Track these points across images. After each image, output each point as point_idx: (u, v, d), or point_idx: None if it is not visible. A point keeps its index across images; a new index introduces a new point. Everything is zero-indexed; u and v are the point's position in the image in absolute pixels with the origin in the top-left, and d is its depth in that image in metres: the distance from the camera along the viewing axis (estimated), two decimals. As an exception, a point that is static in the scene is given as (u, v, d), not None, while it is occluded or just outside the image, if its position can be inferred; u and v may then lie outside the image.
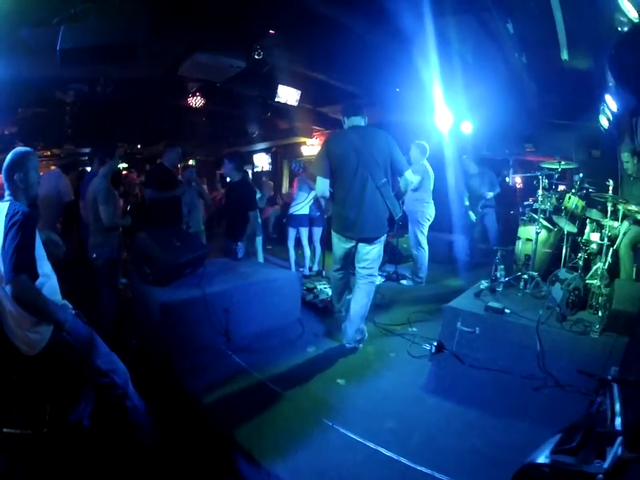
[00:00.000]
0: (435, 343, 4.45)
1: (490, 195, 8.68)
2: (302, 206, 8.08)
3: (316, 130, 13.30)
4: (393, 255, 8.33)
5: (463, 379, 4.01)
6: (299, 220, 8.26)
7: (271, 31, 6.24)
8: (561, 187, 5.80)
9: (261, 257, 7.63)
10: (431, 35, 5.78)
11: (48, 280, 2.76)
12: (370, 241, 4.65)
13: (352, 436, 3.19)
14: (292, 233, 8.34)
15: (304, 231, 8.34)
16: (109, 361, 2.98)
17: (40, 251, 2.70)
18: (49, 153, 14.36)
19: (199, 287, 4.68)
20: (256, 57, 6.39)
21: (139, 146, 16.16)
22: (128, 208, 7.01)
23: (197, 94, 8.82)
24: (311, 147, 13.89)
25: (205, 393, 3.82)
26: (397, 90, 8.56)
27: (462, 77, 6.97)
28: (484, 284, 5.11)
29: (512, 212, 11.15)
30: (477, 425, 3.34)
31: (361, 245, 4.69)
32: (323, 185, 4.62)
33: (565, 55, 6.04)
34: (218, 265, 5.73)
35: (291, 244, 8.39)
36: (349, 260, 4.92)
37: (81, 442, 3.06)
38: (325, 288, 6.73)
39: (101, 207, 4.96)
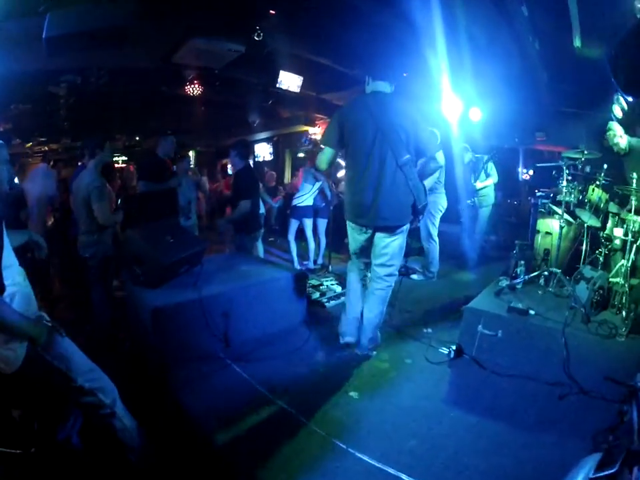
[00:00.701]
0: (454, 347, 4.17)
1: (478, 184, 8.14)
2: (306, 197, 7.74)
3: (319, 118, 12.90)
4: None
5: (486, 387, 3.71)
6: (302, 211, 7.93)
7: (271, 11, 5.86)
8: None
9: (261, 250, 7.29)
10: (440, 16, 5.44)
11: (19, 289, 2.40)
12: (389, 230, 3.92)
13: (369, 461, 2.84)
14: (294, 224, 8.01)
15: (308, 223, 8.04)
16: (92, 379, 2.65)
17: (10, 258, 2.36)
18: (46, 148, 14.07)
19: (194, 288, 4.31)
20: (256, 37, 6.01)
21: (137, 138, 15.81)
22: (118, 201, 6.65)
23: (195, 82, 8.45)
24: (314, 135, 13.47)
25: (202, 408, 3.48)
26: (405, 75, 8.15)
27: (472, 62, 6.62)
28: (503, 281, 4.85)
29: (516, 202, 10.91)
30: (504, 440, 3.03)
31: (378, 235, 3.99)
32: (325, 156, 4.00)
33: (577, 42, 5.77)
34: (216, 262, 5.38)
35: (291, 236, 8.04)
36: (367, 254, 4.21)
37: (70, 461, 2.79)
38: (333, 285, 6.42)
39: (96, 205, 4.64)
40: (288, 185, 11.46)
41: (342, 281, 6.40)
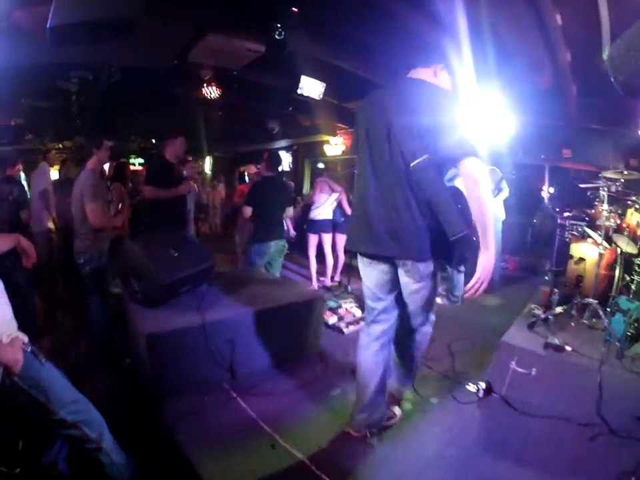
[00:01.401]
0: (483, 385, 3.84)
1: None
2: (323, 209, 7.36)
3: (340, 128, 12.54)
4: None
5: (516, 430, 3.36)
6: (320, 225, 7.60)
7: (293, 9, 5.44)
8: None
9: (278, 265, 6.88)
10: (470, 23, 4.98)
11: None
12: (405, 268, 2.86)
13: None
14: (313, 239, 7.64)
15: (326, 238, 7.68)
16: (76, 411, 2.35)
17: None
18: (60, 145, 13.81)
19: (197, 311, 3.88)
20: (276, 36, 5.57)
21: (153, 141, 15.50)
22: (120, 205, 6.30)
23: (212, 84, 8.04)
24: (335, 146, 13.12)
25: (202, 449, 3.03)
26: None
27: (501, 72, 6.14)
28: (535, 311, 4.61)
29: (535, 221, 10.48)
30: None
31: (400, 273, 2.95)
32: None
33: (606, 55, 5.24)
34: (225, 281, 4.96)
35: (312, 252, 7.67)
36: (390, 307, 3.17)
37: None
38: (352, 307, 5.98)
39: (88, 205, 4.29)
40: (306, 197, 11.03)
41: (362, 304, 5.88)
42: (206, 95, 8.23)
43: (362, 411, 3.19)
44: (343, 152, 12.97)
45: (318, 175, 12.22)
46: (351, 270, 7.30)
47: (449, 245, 2.61)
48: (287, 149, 15.83)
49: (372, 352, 3.18)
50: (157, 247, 4.15)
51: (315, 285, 7.62)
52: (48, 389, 2.23)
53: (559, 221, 6.59)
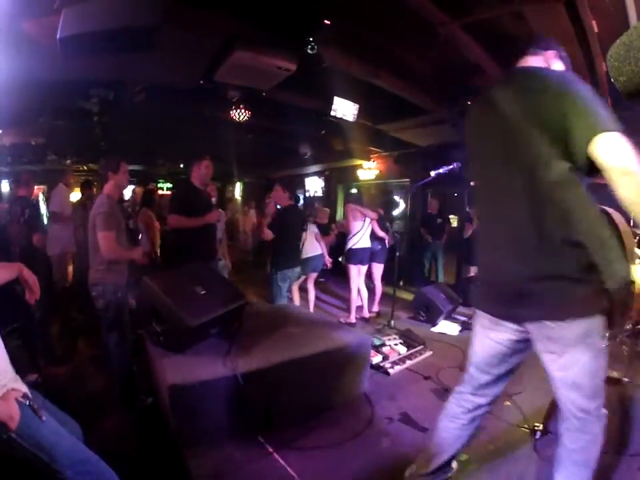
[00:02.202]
0: (540, 426, 3.55)
1: None
2: (361, 237, 6.99)
3: (373, 152, 12.09)
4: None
5: None
6: (361, 255, 7.19)
7: (326, 21, 5.01)
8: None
9: (311, 297, 6.49)
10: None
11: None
12: (549, 333, 2.10)
13: None
14: (355, 270, 7.21)
15: (363, 268, 7.28)
16: (86, 472, 2.08)
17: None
18: (85, 167, 13.65)
19: (228, 358, 3.41)
20: (309, 51, 5.14)
21: (181, 165, 15.24)
22: (140, 236, 5.93)
23: (241, 106, 7.66)
24: (368, 170, 12.65)
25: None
26: (470, 103, 7.16)
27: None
28: None
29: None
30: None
31: (538, 341, 2.21)
32: None
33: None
34: (258, 319, 4.55)
35: (354, 284, 7.21)
36: (498, 379, 2.52)
37: None
38: (396, 345, 5.45)
39: (99, 234, 3.92)
40: (338, 224, 10.55)
41: (406, 340, 5.61)
42: (234, 117, 7.86)
43: (424, 476, 2.66)
44: (377, 176, 12.50)
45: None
46: (387, 300, 7.14)
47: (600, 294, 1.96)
48: (318, 174, 15.46)
49: (458, 425, 2.61)
50: (181, 285, 3.75)
51: (353, 318, 7.18)
52: (52, 448, 1.98)
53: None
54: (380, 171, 12.46)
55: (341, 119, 7.78)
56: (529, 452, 3.34)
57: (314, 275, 7.15)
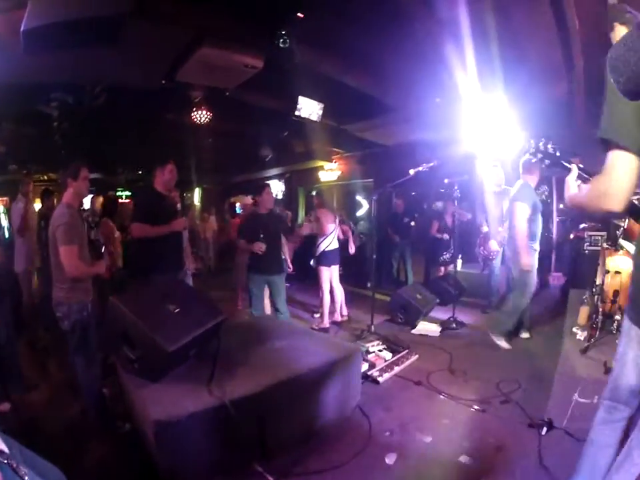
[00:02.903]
0: (547, 421, 3.46)
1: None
2: (332, 240, 6.90)
3: (335, 153, 11.91)
4: (445, 292, 7.15)
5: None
6: (332, 257, 7.03)
7: (299, 14, 4.79)
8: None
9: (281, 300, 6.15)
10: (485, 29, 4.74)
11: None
12: None
13: None
14: (326, 273, 7.01)
15: (335, 270, 7.09)
16: None
17: None
18: (46, 177, 13.10)
19: (213, 384, 3.07)
20: (280, 44, 4.91)
21: (139, 172, 14.77)
22: (103, 249, 5.57)
23: (202, 107, 7.36)
24: (329, 172, 12.49)
25: None
26: (438, 100, 7.07)
27: (515, 85, 5.91)
28: (579, 333, 4.63)
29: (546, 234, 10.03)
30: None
31: None
32: (621, 174, 1.83)
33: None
34: (239, 334, 4.26)
35: (326, 286, 7.01)
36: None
37: None
38: (381, 351, 5.21)
39: (61, 248, 3.52)
40: (305, 226, 10.25)
41: (390, 345, 5.40)
42: (195, 119, 7.57)
43: None
44: (339, 177, 12.33)
45: (313, 203, 11.70)
46: (352, 302, 7.18)
47: None
48: (279, 177, 15.14)
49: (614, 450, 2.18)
50: (152, 304, 3.36)
51: (327, 322, 6.96)
52: None
53: (584, 235, 6.69)
54: (342, 172, 12.29)
55: (305, 118, 7.57)
56: (536, 449, 3.21)
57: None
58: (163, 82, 6.03)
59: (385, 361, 4.95)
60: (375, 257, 6.79)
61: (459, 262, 8.43)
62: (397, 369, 4.81)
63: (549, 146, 2.56)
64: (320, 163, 12.64)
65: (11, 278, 5.73)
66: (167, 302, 3.38)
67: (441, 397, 4.22)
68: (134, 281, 5.08)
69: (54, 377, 4.89)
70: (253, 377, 3.26)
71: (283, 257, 6.19)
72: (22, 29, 3.64)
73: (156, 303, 3.36)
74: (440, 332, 6.22)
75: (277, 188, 15.28)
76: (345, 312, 7.37)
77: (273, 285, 5.74)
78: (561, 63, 5.47)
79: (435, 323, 6.54)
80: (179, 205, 5.17)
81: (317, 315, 7.52)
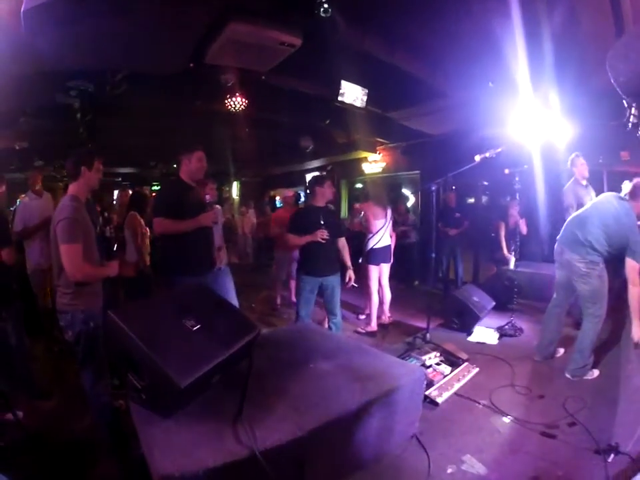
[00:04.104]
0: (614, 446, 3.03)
1: None
2: (382, 236, 6.37)
3: (379, 143, 11.36)
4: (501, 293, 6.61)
5: None
6: (383, 254, 6.51)
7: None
8: None
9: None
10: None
11: None
12: None
13: None
14: (375, 271, 6.48)
15: (385, 268, 6.59)
16: None
17: None
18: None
19: (239, 423, 2.39)
20: (322, 14, 4.31)
21: (174, 165, 14.36)
22: (115, 246, 5.08)
23: (236, 94, 6.83)
24: (374, 163, 11.92)
25: None
26: (491, 85, 6.42)
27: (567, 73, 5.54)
28: None
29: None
30: None
31: None
32: None
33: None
34: (274, 350, 3.57)
35: (374, 286, 6.48)
36: None
37: None
38: (439, 365, 4.60)
39: (62, 247, 3.04)
40: (355, 222, 9.66)
41: (448, 357, 4.82)
42: (230, 107, 7.05)
43: None
44: (384, 169, 11.72)
45: (357, 197, 11.19)
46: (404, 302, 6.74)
47: None
48: (320, 169, 14.57)
49: None
50: (164, 320, 2.73)
51: (375, 325, 6.44)
52: None
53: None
54: (386, 164, 11.73)
55: (349, 104, 7.02)
56: (602, 478, 2.85)
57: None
58: (191, 65, 5.50)
59: (444, 376, 4.34)
60: (434, 255, 6.01)
61: (512, 260, 7.74)
62: (456, 385, 4.21)
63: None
64: (363, 154, 12.14)
65: (22, 279, 5.32)
66: (184, 316, 2.76)
67: (507, 419, 3.70)
68: (160, 281, 4.57)
69: (69, 384, 4.46)
70: (292, 415, 2.58)
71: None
72: (23, 9, 3.37)
73: (168, 319, 2.75)
74: (498, 339, 5.58)
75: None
76: (388, 314, 6.85)
77: (328, 287, 5.15)
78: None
79: (490, 328, 5.88)
80: (208, 197, 4.60)
81: (362, 317, 7.02)
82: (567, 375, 4.44)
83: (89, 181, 3.36)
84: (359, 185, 13.63)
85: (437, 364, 4.55)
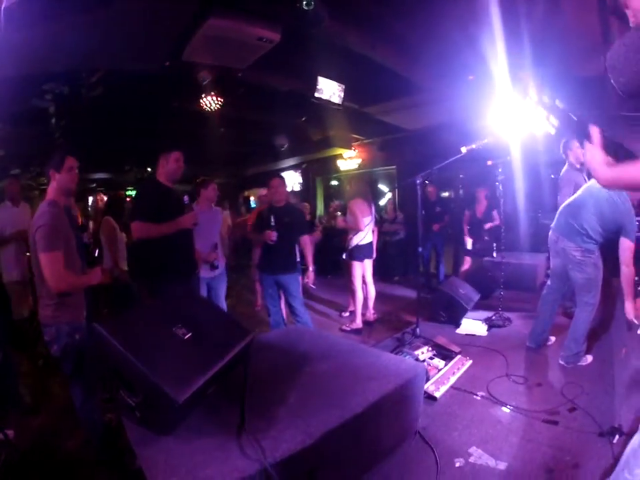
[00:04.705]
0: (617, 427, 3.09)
1: None
2: (366, 232, 6.23)
3: (355, 139, 11.28)
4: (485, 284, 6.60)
5: None
6: (366, 251, 6.41)
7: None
8: None
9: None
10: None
11: None
12: None
13: None
14: (359, 268, 6.36)
15: (368, 264, 6.47)
16: None
17: None
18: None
19: (244, 434, 2.25)
20: (304, 6, 4.22)
21: (149, 169, 14.12)
22: (97, 252, 4.90)
23: (212, 93, 6.70)
24: (349, 160, 11.86)
25: None
26: (471, 78, 6.40)
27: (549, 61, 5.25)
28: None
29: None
30: None
31: None
32: None
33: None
34: (267, 353, 3.43)
35: (358, 282, 6.36)
36: None
37: None
38: (433, 359, 4.54)
39: (41, 256, 2.86)
40: (339, 219, 9.49)
41: (440, 350, 4.77)
42: (205, 106, 6.91)
43: None
44: (360, 165, 11.67)
45: (332, 194, 11.14)
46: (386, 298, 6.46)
47: None
48: (295, 167, 14.49)
49: None
50: (154, 331, 2.50)
51: (360, 322, 6.34)
52: None
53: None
54: (362, 160, 11.68)
55: (326, 101, 6.95)
56: (611, 461, 2.82)
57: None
58: (167, 63, 5.38)
59: (439, 370, 4.29)
60: (420, 249, 5.93)
61: (469, 241, 7.78)
62: (452, 379, 4.15)
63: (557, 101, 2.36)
64: (339, 151, 12.06)
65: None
66: (173, 325, 2.55)
67: (507, 409, 3.66)
68: (141, 288, 4.42)
69: (55, 398, 4.32)
70: (297, 422, 2.41)
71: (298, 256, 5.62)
72: (4, 5, 3.18)
73: (158, 329, 2.52)
74: (487, 330, 5.57)
75: (293, 179, 14.63)
76: (372, 310, 6.73)
77: (283, 285, 5.21)
78: (596, 40, 4.83)
79: (478, 320, 5.86)
80: (186, 198, 4.45)
81: (346, 314, 6.94)
82: (561, 362, 4.43)
83: (61, 183, 3.15)
84: (334, 182, 13.57)
85: (430, 358, 4.50)
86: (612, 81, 1.77)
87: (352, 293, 6.46)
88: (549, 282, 4.84)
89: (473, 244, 7.91)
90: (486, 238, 7.55)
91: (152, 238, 3.87)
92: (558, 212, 4.64)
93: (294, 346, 3.64)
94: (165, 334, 2.48)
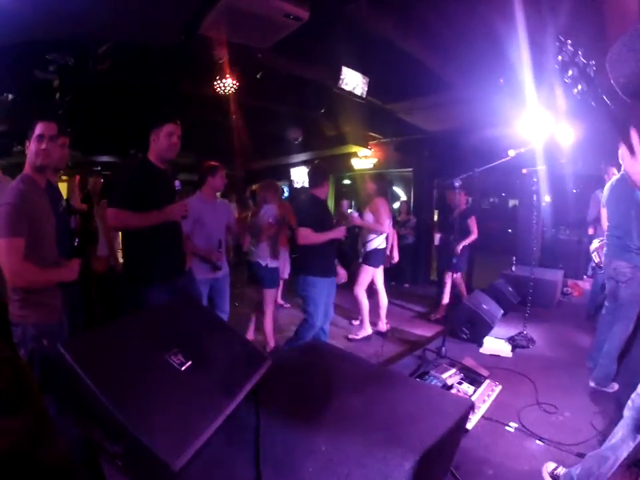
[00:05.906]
0: None
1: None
2: (385, 236, 5.91)
3: (372, 138, 10.83)
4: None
5: None
6: (381, 256, 6.03)
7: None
8: None
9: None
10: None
11: None
12: None
13: None
14: (369, 275, 5.97)
15: (381, 272, 6.06)
16: None
17: None
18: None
19: None
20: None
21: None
22: (77, 241, 4.35)
23: (227, 74, 6.16)
24: (364, 159, 11.46)
25: None
26: (502, 81, 6.01)
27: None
28: None
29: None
30: None
31: None
32: None
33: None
34: (284, 384, 2.49)
35: (364, 288, 5.96)
36: None
37: None
38: (461, 383, 4.10)
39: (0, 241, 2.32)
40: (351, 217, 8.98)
41: (467, 374, 4.33)
42: (219, 89, 6.38)
43: None
44: (375, 165, 11.23)
45: (343, 193, 10.81)
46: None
47: None
48: (306, 163, 13.93)
49: None
50: (138, 355, 1.92)
51: (369, 329, 5.94)
52: None
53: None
54: (378, 160, 11.27)
55: (349, 93, 6.55)
56: None
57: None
58: (182, 38, 4.94)
59: (469, 397, 3.84)
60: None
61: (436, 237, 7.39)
62: (482, 407, 3.75)
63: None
64: (354, 149, 11.56)
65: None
66: (168, 349, 1.98)
67: (540, 443, 3.39)
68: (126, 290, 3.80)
69: (35, 398, 3.88)
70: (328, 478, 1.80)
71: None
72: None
73: (145, 355, 1.94)
74: (511, 351, 5.16)
75: (304, 175, 14.15)
76: (385, 320, 6.29)
77: (332, 291, 4.70)
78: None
79: (500, 339, 5.45)
80: (177, 183, 3.76)
81: (357, 322, 6.46)
82: (591, 384, 4.32)
83: (31, 155, 2.68)
84: (346, 181, 13.14)
85: (459, 383, 4.05)
86: (612, 81, 1.83)
87: (358, 299, 5.98)
88: (606, 303, 4.66)
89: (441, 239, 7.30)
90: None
91: (130, 229, 3.32)
92: (606, 236, 4.50)
93: (316, 371, 2.74)
94: (155, 362, 1.91)
